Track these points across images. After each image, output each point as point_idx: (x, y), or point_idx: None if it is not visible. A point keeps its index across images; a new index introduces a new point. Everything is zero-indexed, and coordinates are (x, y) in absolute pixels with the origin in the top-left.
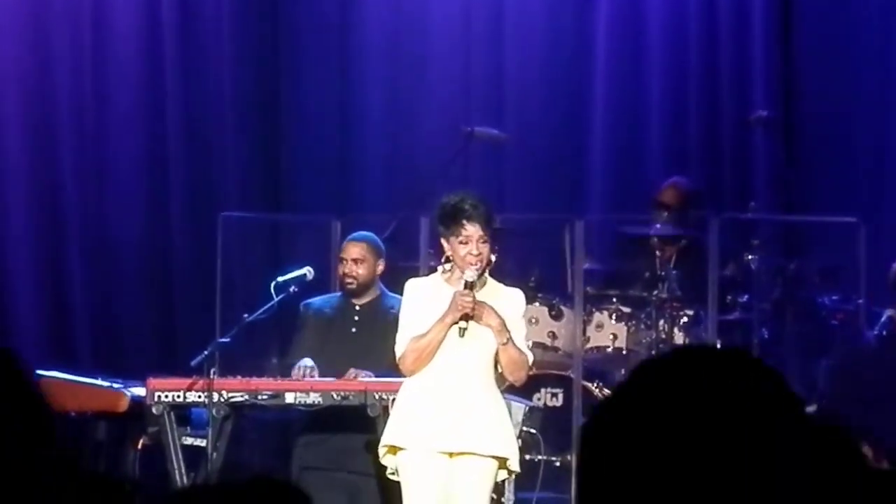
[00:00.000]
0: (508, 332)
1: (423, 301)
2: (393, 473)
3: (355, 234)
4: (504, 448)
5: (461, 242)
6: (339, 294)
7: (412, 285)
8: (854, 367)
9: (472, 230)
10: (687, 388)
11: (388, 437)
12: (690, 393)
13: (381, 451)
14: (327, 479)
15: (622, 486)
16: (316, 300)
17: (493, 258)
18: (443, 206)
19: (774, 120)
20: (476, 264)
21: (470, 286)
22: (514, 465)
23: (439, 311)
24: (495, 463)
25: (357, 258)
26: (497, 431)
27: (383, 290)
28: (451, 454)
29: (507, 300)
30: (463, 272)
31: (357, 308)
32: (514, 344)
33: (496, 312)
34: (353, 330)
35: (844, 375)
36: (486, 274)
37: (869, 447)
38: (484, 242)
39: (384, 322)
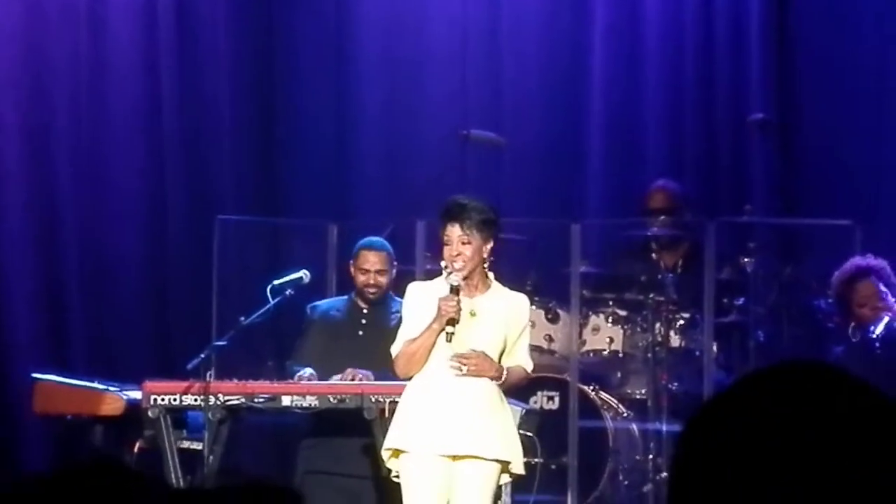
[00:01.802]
0: (504, 372)
1: (422, 304)
2: (397, 477)
3: (372, 242)
4: (506, 451)
5: (445, 243)
6: (345, 297)
7: (413, 288)
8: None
9: (451, 231)
10: (794, 403)
11: (390, 441)
12: (797, 407)
13: (385, 454)
14: (330, 483)
15: (715, 491)
16: (322, 303)
17: (486, 261)
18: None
19: (771, 123)
20: (456, 264)
21: (455, 291)
22: (517, 468)
23: None
24: (497, 466)
25: (380, 269)
26: (499, 435)
27: (390, 294)
28: (453, 457)
29: (511, 305)
30: (453, 269)
31: (364, 311)
32: (511, 372)
33: (490, 360)
34: (360, 332)
35: None
36: (492, 277)
37: None
38: (465, 243)
39: (390, 325)
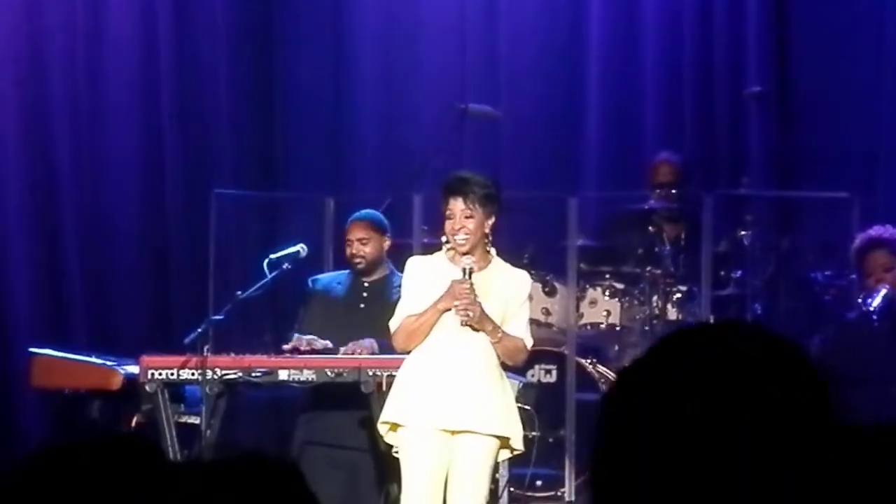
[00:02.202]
0: (501, 330)
1: (423, 279)
2: (397, 452)
3: (358, 214)
4: (506, 427)
5: (447, 217)
6: (347, 271)
7: (413, 263)
8: (845, 343)
9: (454, 205)
10: (710, 362)
11: (388, 414)
12: (713, 367)
13: (383, 428)
14: (328, 455)
15: (637, 455)
16: (324, 276)
17: (488, 236)
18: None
19: (768, 95)
20: (458, 238)
21: (469, 274)
22: (518, 444)
23: (439, 290)
24: (497, 442)
25: (362, 237)
26: (499, 410)
27: (392, 268)
28: (452, 432)
29: (512, 282)
30: (455, 244)
31: (366, 285)
32: (508, 336)
33: (486, 315)
34: (362, 306)
35: (835, 351)
36: (493, 253)
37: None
38: (468, 217)
39: (392, 300)
